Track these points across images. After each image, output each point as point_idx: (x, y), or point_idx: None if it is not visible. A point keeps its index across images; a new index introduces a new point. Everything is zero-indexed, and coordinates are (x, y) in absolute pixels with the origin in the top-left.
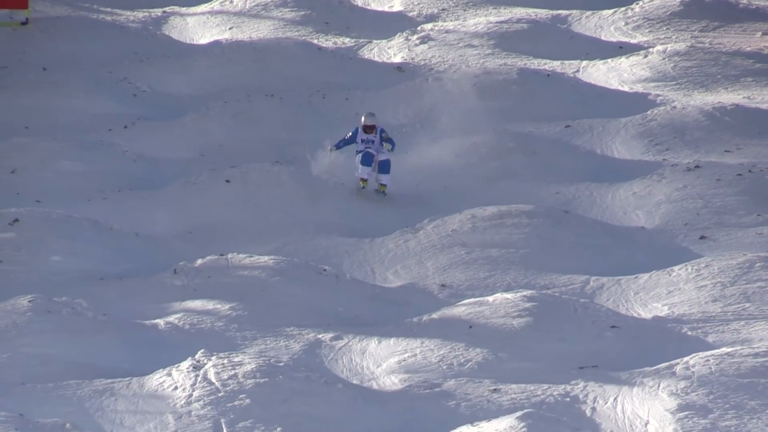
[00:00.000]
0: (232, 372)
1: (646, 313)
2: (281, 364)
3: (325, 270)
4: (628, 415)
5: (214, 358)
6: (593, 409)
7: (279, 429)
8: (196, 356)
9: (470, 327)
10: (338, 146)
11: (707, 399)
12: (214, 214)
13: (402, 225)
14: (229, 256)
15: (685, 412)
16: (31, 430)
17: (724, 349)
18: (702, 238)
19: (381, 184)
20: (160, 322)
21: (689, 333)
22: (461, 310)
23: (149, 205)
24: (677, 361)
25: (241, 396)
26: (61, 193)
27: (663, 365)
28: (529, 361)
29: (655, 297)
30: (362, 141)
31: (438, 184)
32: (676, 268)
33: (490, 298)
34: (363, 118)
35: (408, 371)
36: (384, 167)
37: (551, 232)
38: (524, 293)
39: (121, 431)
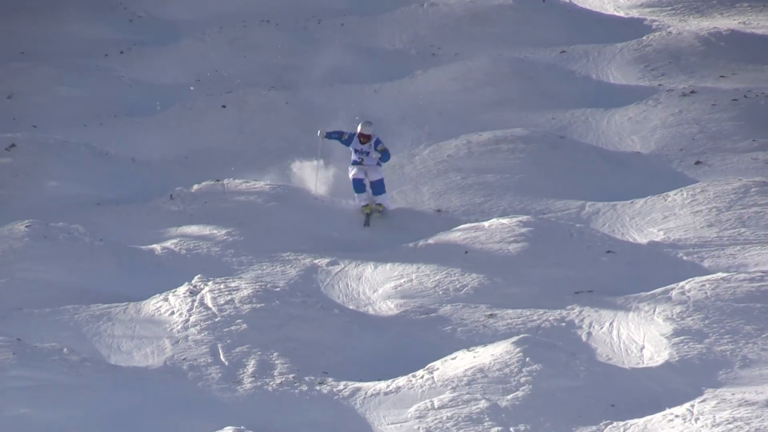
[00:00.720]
0: (229, 297)
1: (641, 238)
2: (277, 289)
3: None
4: (623, 340)
5: (210, 283)
6: (589, 334)
7: (275, 353)
8: (193, 281)
9: (466, 252)
10: (329, 136)
11: (703, 324)
12: (210, 139)
13: (397, 150)
14: (225, 181)
15: (681, 337)
16: (29, 355)
17: (720, 274)
18: (697, 163)
19: (378, 204)
20: (157, 247)
21: (685, 258)
22: (457, 235)
23: (145, 130)
24: (673, 286)
25: (237, 321)
26: (57, 118)
27: (658, 290)
28: (524, 286)
29: (650, 222)
30: (356, 151)
31: (433, 109)
32: (671, 193)
33: (486, 224)
34: (359, 127)
35: (404, 296)
36: (378, 188)
37: (547, 157)
38: (520, 218)
39: (118, 356)
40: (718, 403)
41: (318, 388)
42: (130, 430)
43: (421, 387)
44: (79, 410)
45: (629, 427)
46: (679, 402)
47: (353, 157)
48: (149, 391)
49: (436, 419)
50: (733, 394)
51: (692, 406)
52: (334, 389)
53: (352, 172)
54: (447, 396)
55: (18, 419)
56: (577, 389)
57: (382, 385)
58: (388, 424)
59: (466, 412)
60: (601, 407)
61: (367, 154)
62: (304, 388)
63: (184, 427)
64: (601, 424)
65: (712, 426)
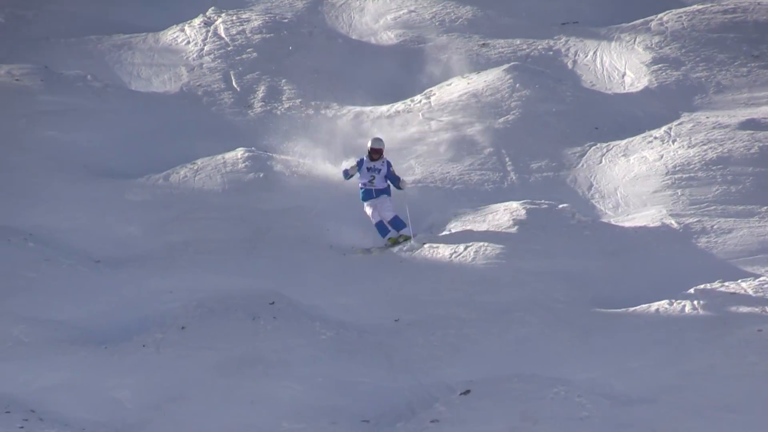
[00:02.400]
0: (240, 28)
1: None
2: (285, 20)
3: None
4: (606, 68)
5: (223, 14)
6: (574, 62)
7: (283, 80)
8: (207, 13)
9: None
10: (344, 174)
11: (680, 52)
12: None
13: None
14: None
15: (659, 65)
16: (55, 81)
17: (696, 6)
18: None
19: (404, 235)
20: None
21: None
22: None
23: None
24: (652, 17)
25: (248, 50)
26: None
27: (639, 21)
28: (515, 17)
29: None
30: (368, 170)
31: None
32: None
33: None
34: (370, 143)
35: (403, 27)
36: (398, 224)
37: None
38: None
39: (138, 82)
40: (693, 126)
41: (323, 112)
42: (148, 151)
43: (420, 111)
44: (101, 133)
45: (611, 148)
46: (657, 125)
47: (362, 178)
48: (166, 115)
49: (433, 141)
50: (707, 117)
51: (670, 128)
52: (338, 113)
53: (369, 212)
54: (444, 120)
55: (46, 140)
56: (564, 113)
57: (383, 109)
58: (388, 145)
59: (461, 134)
60: (586, 129)
61: (379, 171)
62: (311, 112)
63: (199, 148)
64: (585, 145)
65: (688, 147)
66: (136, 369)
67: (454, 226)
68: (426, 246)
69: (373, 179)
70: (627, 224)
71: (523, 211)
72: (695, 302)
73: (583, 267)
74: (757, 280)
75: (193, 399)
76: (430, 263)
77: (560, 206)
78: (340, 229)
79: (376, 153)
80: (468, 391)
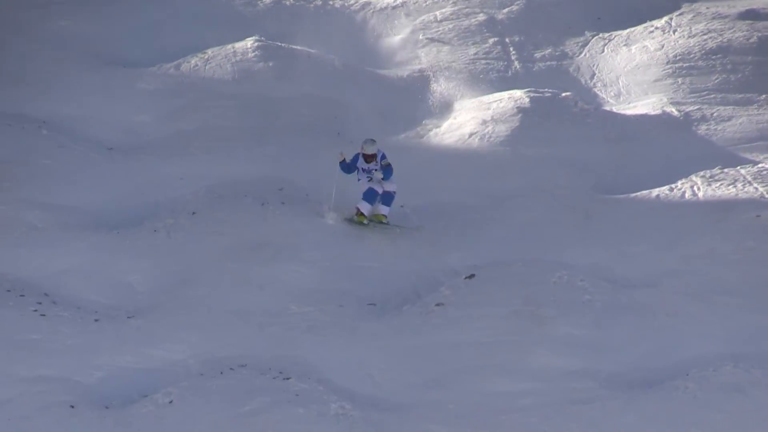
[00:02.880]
0: None
1: None
2: None
3: None
4: None
5: None
6: None
7: None
8: None
9: None
10: (342, 167)
11: None
12: None
13: None
14: None
15: None
16: None
17: None
18: None
19: (381, 215)
20: None
21: None
22: None
23: None
24: None
25: None
26: None
27: None
28: None
29: None
30: (363, 170)
31: None
32: None
33: None
34: (362, 147)
35: None
36: (388, 199)
37: None
38: None
39: None
40: (694, 16)
41: (331, 2)
42: (159, 40)
43: (425, 1)
44: (113, 22)
45: (613, 38)
46: (658, 15)
47: (360, 176)
48: (177, 4)
49: (438, 31)
50: (707, 8)
51: (671, 18)
52: (346, 4)
53: (365, 188)
54: (448, 10)
55: (59, 30)
56: (567, 3)
57: (388, 0)
58: (395, 35)
59: (466, 24)
60: (589, 19)
61: (376, 170)
62: (318, 2)
63: (209, 37)
64: (588, 35)
65: (689, 37)
66: (147, 253)
67: (459, 114)
68: (432, 132)
69: (371, 179)
70: (628, 112)
71: (527, 99)
72: (695, 188)
73: (585, 154)
74: (756, 166)
75: (202, 283)
76: (436, 150)
77: (563, 94)
78: (348, 115)
79: (369, 157)
80: (472, 275)
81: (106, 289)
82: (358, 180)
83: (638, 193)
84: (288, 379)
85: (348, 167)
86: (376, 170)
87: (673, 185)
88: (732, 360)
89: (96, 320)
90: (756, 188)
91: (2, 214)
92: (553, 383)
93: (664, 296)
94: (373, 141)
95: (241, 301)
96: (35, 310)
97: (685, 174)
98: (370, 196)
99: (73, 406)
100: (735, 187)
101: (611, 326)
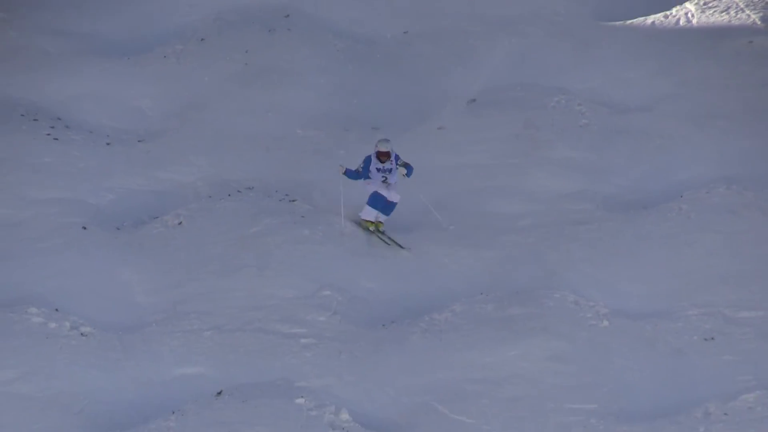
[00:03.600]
0: None
1: None
2: None
3: None
4: None
5: None
6: None
7: None
8: None
9: None
10: (348, 175)
11: None
12: None
13: None
14: None
15: None
16: None
17: None
18: None
19: (379, 222)
20: None
21: None
22: None
23: None
24: None
25: None
26: None
27: None
28: None
29: None
30: (378, 170)
31: None
32: None
33: None
34: (377, 145)
35: None
36: (389, 209)
37: None
38: None
39: None
40: None
41: None
42: None
43: None
44: None
45: None
46: None
47: (374, 176)
48: None
49: None
50: None
51: None
52: None
53: (375, 186)
54: None
55: None
56: None
57: None
58: None
59: None
60: None
61: (390, 171)
62: None
63: None
64: None
65: None
66: (157, 79)
67: None
68: None
69: (386, 179)
70: None
71: None
72: (689, 15)
73: None
74: None
75: (211, 107)
76: None
77: None
78: None
79: (383, 155)
80: (473, 100)
81: (118, 113)
82: (368, 181)
83: (634, 20)
84: (294, 201)
85: (356, 175)
86: (395, 167)
87: (667, 12)
88: (725, 182)
89: (107, 144)
90: (748, 15)
91: (15, 40)
92: (551, 205)
93: (659, 120)
94: (387, 140)
95: (249, 125)
96: (48, 134)
97: (680, 1)
98: (375, 201)
99: (85, 228)
100: (728, 13)
101: (608, 149)
